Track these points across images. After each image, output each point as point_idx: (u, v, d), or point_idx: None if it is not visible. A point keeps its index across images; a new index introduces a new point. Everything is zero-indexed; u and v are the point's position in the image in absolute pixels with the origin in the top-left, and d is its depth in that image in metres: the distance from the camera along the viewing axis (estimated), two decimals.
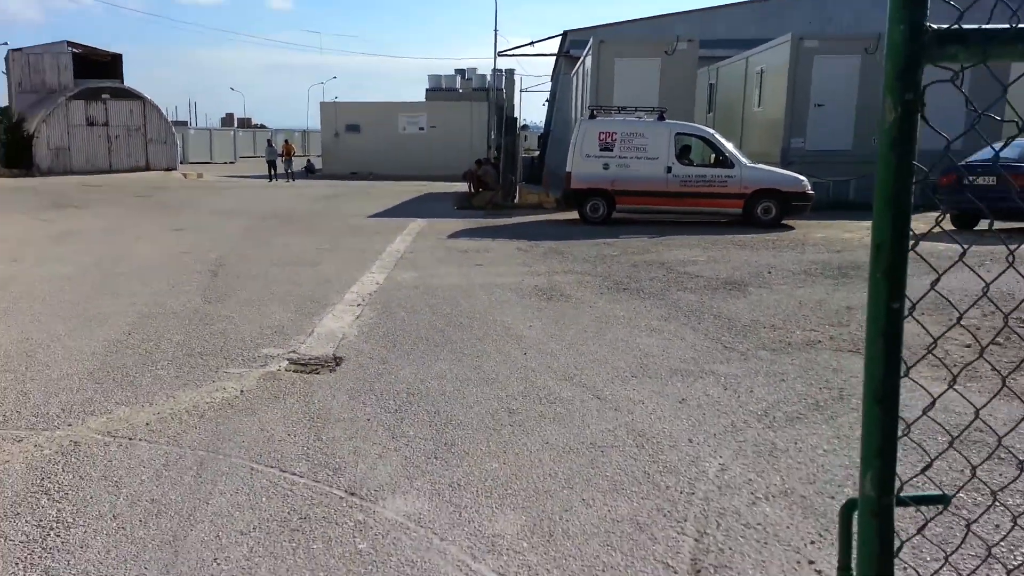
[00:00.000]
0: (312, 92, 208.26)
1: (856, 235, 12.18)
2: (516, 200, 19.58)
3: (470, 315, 7.00)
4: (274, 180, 31.21)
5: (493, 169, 20.42)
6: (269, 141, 34.38)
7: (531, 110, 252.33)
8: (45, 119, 31.94)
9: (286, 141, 34.21)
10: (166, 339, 6.10)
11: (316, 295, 7.92)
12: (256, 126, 71.85)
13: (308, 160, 40.11)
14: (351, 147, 36.97)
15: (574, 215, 14.93)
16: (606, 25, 32.86)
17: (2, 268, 9.21)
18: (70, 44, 37.14)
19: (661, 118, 14.43)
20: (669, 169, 13.92)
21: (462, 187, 26.35)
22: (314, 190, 25.65)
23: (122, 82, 36.22)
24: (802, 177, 13.89)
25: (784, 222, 13.73)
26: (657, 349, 5.78)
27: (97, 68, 37.38)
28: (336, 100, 42.05)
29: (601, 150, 14.18)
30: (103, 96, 33.29)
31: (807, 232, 12.82)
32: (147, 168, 33.71)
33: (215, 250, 10.99)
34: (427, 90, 46.85)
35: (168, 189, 25.36)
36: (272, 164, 32.17)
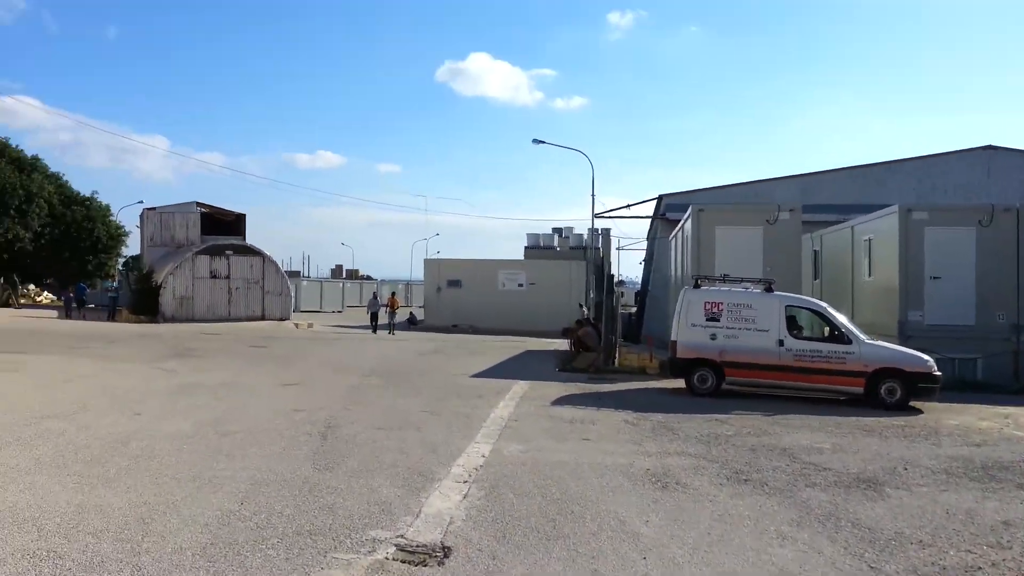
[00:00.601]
0: (416, 247, 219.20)
1: (994, 424, 11.27)
2: (617, 362, 19.35)
3: (581, 502, 6.68)
4: (376, 331, 32.07)
5: (593, 330, 20.40)
6: (374, 294, 35.70)
7: (627, 266, 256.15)
8: (172, 271, 34.52)
9: (392, 294, 35.43)
10: (276, 512, 6.05)
11: (423, 467, 7.80)
12: (363, 277, 75.59)
13: (411, 312, 41.47)
14: (452, 301, 38.11)
15: (679, 383, 14.56)
16: (703, 190, 33.47)
17: (124, 422, 9.57)
18: (199, 204, 40.75)
19: (769, 289, 14.20)
20: (781, 342, 13.51)
21: (561, 344, 26.39)
22: (417, 344, 26.24)
23: (244, 239, 39.13)
24: (927, 357, 13.18)
25: (911, 404, 12.91)
26: (794, 565, 5.27)
27: (222, 226, 40.70)
28: (439, 256, 43.95)
29: (708, 320, 13.98)
30: (226, 252, 35.90)
31: (938, 418, 11.97)
32: (263, 317, 35.56)
33: (324, 408, 11.17)
34: (526, 248, 48.38)
35: (281, 339, 26.49)
36: (375, 316, 33.15)
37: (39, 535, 5.26)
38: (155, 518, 5.76)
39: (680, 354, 14.21)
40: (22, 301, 43.64)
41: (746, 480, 7.70)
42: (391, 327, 32.65)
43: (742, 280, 14.75)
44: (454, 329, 35.79)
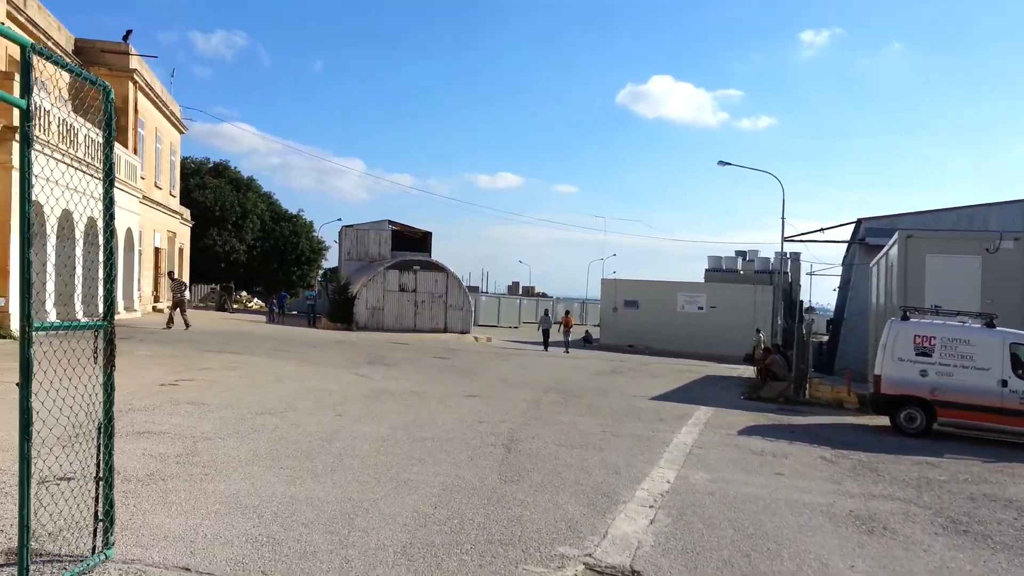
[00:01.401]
0: (592, 266, 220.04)
1: None
2: (808, 393, 18.24)
3: (777, 540, 6.30)
4: (548, 348, 32.00)
5: (782, 358, 19.36)
6: (546, 311, 35.85)
7: (818, 292, 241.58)
8: (366, 284, 36.87)
9: (566, 312, 35.54)
10: (468, 519, 6.20)
11: (606, 487, 7.71)
12: (539, 295, 76.81)
13: (587, 331, 41.54)
14: (629, 321, 37.75)
15: (881, 421, 13.46)
16: (908, 214, 30.91)
17: (328, 422, 10.26)
18: (390, 223, 43.37)
19: (991, 324, 12.80)
20: (1004, 383, 12.13)
21: (744, 371, 25.33)
22: (593, 363, 26.20)
23: (430, 255, 41.17)
24: None
25: None
26: None
27: (410, 242, 43.08)
28: (615, 276, 43.68)
29: (917, 354, 12.82)
30: (414, 267, 37.83)
31: None
32: (445, 330, 37.09)
33: (506, 422, 11.38)
34: (706, 270, 46.98)
35: (462, 351, 27.44)
36: (547, 333, 33.16)
37: (259, 521, 5.71)
38: (359, 514, 6.09)
39: (885, 389, 13.13)
40: (235, 306, 48.37)
41: (965, 531, 6.93)
42: (566, 345, 32.59)
43: (958, 313, 13.42)
44: (630, 350, 35.42)
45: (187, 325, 25.10)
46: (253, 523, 5.65)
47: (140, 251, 29.97)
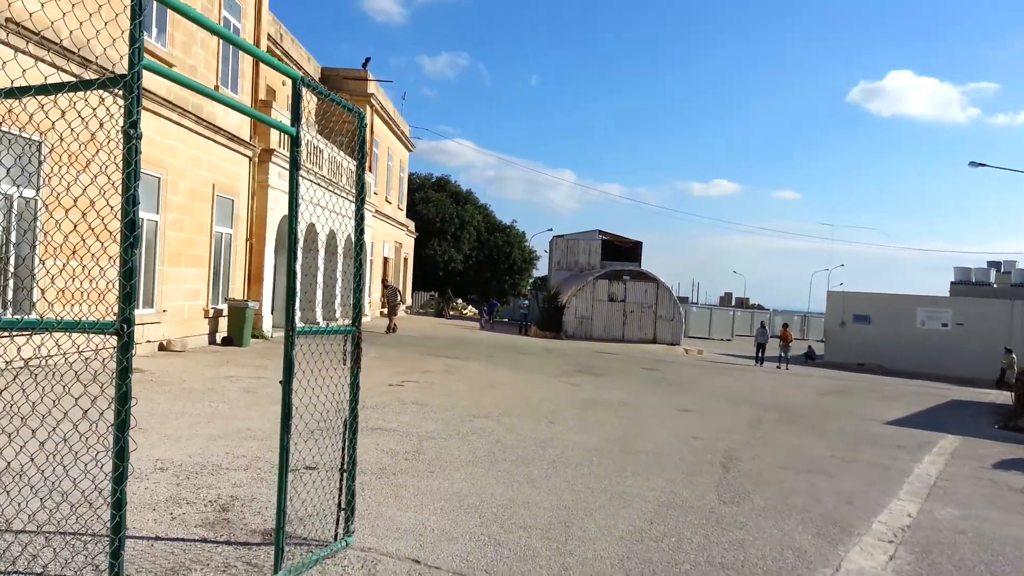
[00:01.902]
0: (815, 278, 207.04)
1: None
2: None
3: None
4: (762, 363, 30.20)
5: None
6: (763, 323, 33.82)
7: None
8: (575, 293, 37.28)
9: (784, 326, 33.49)
10: (686, 539, 5.99)
11: (837, 517, 7.12)
12: (753, 306, 73.42)
13: (809, 347, 39.01)
14: (858, 337, 34.93)
15: None
16: None
17: (542, 429, 10.44)
18: (600, 232, 43.53)
19: None
20: None
21: (996, 396, 22.47)
22: (817, 381, 24.53)
23: (640, 265, 40.82)
24: None
25: None
26: None
27: (620, 252, 42.98)
28: (842, 288, 40.60)
29: None
30: (624, 277, 37.66)
31: None
32: (654, 341, 36.57)
33: (723, 439, 10.93)
34: (952, 283, 42.36)
35: (672, 363, 26.87)
36: (762, 347, 31.08)
37: (480, 521, 5.90)
38: (575, 522, 6.10)
39: None
40: (451, 312, 51.03)
41: None
42: (784, 361, 30.52)
43: None
44: (859, 368, 32.74)
45: (394, 329, 27.00)
46: (475, 522, 5.85)
47: (371, 260, 32.55)
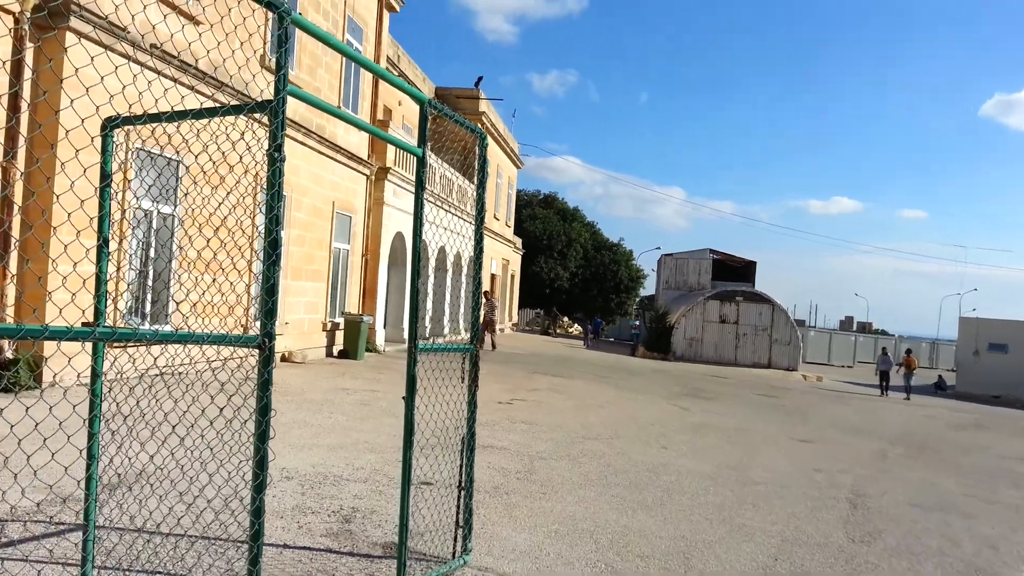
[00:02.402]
0: (945, 302, 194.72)
1: None
2: None
3: None
4: (886, 394, 27.85)
5: None
6: (884, 350, 31.07)
7: None
8: (685, 314, 36.45)
9: (908, 352, 30.69)
10: None
11: (980, 563, 6.58)
12: (877, 332, 69.64)
13: (939, 376, 36.57)
14: (994, 367, 32.48)
15: None
16: None
17: (653, 453, 10.19)
18: (712, 251, 42.45)
19: None
20: None
21: None
22: (948, 413, 22.95)
23: (753, 286, 39.50)
24: None
25: None
26: None
27: (732, 272, 41.75)
28: (975, 314, 37.91)
29: None
30: (736, 298, 36.54)
31: None
32: (768, 365, 35.25)
33: (847, 473, 10.34)
34: None
35: (789, 390, 25.79)
36: (885, 375, 28.59)
37: (595, 547, 5.78)
38: (693, 554, 5.88)
39: None
40: (557, 330, 50.97)
41: None
42: (907, 390, 28.31)
43: None
44: (995, 401, 30.42)
45: (493, 346, 27.04)
46: (591, 548, 5.73)
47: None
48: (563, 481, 7.87)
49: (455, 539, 4.89)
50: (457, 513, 4.86)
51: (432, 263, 24.93)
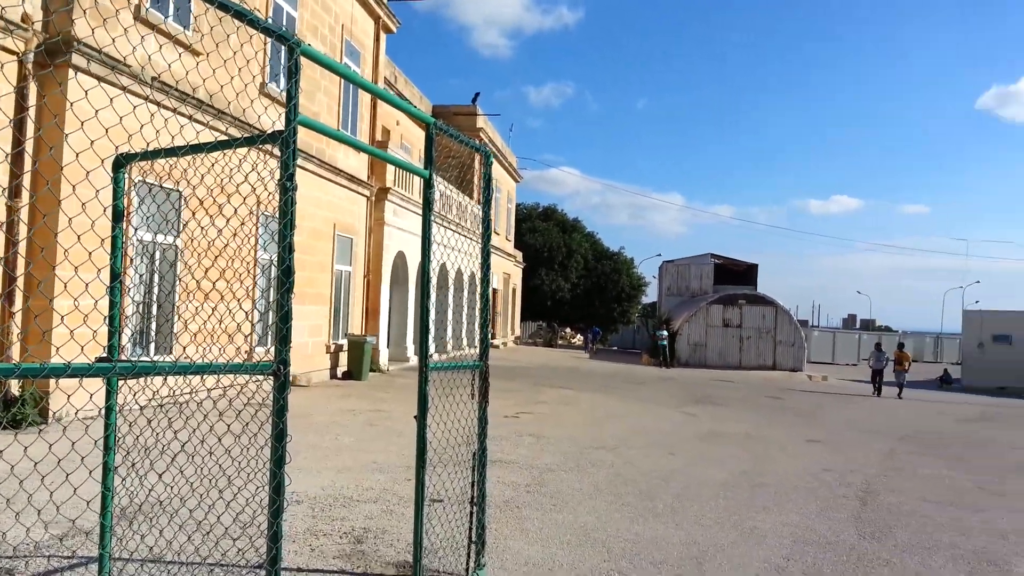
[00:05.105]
0: (948, 296, 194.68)
1: None
2: None
3: None
4: (879, 393, 25.92)
5: None
6: (877, 345, 28.68)
7: None
8: (688, 319, 36.48)
9: (899, 347, 28.41)
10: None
11: (991, 554, 6.60)
12: (880, 328, 69.61)
13: (945, 369, 36.55)
14: (999, 359, 32.47)
15: None
16: None
17: (663, 462, 10.23)
18: (712, 256, 42.53)
19: None
20: None
21: None
22: (956, 407, 22.95)
23: (755, 289, 39.57)
24: None
25: None
26: None
27: (734, 276, 41.82)
28: (979, 306, 37.95)
29: None
30: (739, 301, 36.57)
31: None
32: (773, 367, 35.24)
33: (857, 472, 10.38)
34: None
35: (795, 391, 25.78)
36: (878, 373, 26.54)
37: (608, 556, 5.82)
38: (706, 559, 5.93)
39: None
40: (560, 342, 51.00)
41: None
42: (900, 388, 26.20)
43: None
44: (1000, 392, 30.39)
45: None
46: (603, 557, 5.78)
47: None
48: (573, 492, 7.91)
49: (468, 555, 4.94)
50: (470, 529, 4.92)
51: (434, 281, 25.06)
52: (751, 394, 23.01)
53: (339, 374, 18.26)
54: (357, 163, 19.26)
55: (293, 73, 2.95)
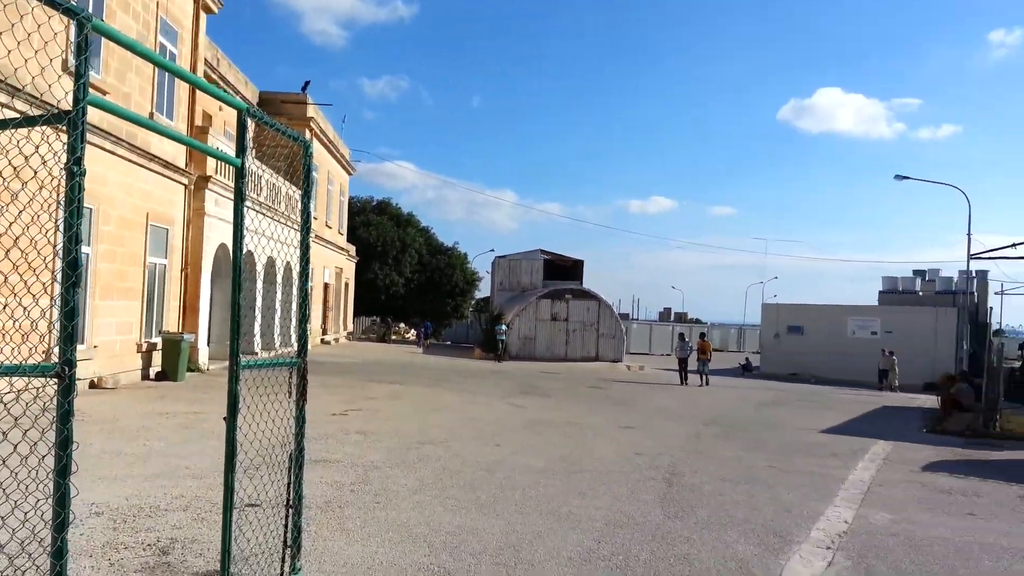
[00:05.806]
0: (751, 291, 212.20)
1: None
2: (999, 426, 16.57)
3: None
4: (685, 382, 27.02)
5: (969, 387, 17.73)
6: (681, 335, 29.80)
7: (1010, 313, 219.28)
8: (519, 314, 37.40)
9: (702, 336, 29.56)
10: (633, 556, 6.10)
11: (777, 526, 7.35)
12: (692, 321, 74.88)
13: (746, 358, 39.96)
14: (792, 348, 36.01)
15: None
16: None
17: (488, 452, 10.47)
18: (542, 252, 43.89)
19: None
20: None
21: (924, 400, 23.43)
22: (754, 393, 25.14)
23: (582, 284, 41.22)
24: None
25: None
26: None
27: (562, 271, 43.35)
28: (776, 300, 41.81)
29: None
30: (566, 296, 37.98)
31: None
32: (596, 359, 36.90)
33: (665, 455, 11.14)
34: (880, 292, 43.92)
35: (615, 381, 27.18)
36: (683, 363, 27.35)
37: (430, 551, 5.90)
38: (523, 546, 6.15)
39: None
40: (393, 337, 50.66)
41: None
42: (702, 376, 27.27)
43: None
44: (793, 378, 33.70)
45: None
46: (424, 552, 5.84)
47: (311, 287, 32.14)
48: (398, 489, 7.92)
49: (283, 559, 4.83)
50: (285, 532, 4.80)
51: (261, 275, 24.01)
52: (575, 384, 24.02)
53: (152, 375, 17.08)
54: (174, 149, 18.07)
55: (83, 49, 2.75)
